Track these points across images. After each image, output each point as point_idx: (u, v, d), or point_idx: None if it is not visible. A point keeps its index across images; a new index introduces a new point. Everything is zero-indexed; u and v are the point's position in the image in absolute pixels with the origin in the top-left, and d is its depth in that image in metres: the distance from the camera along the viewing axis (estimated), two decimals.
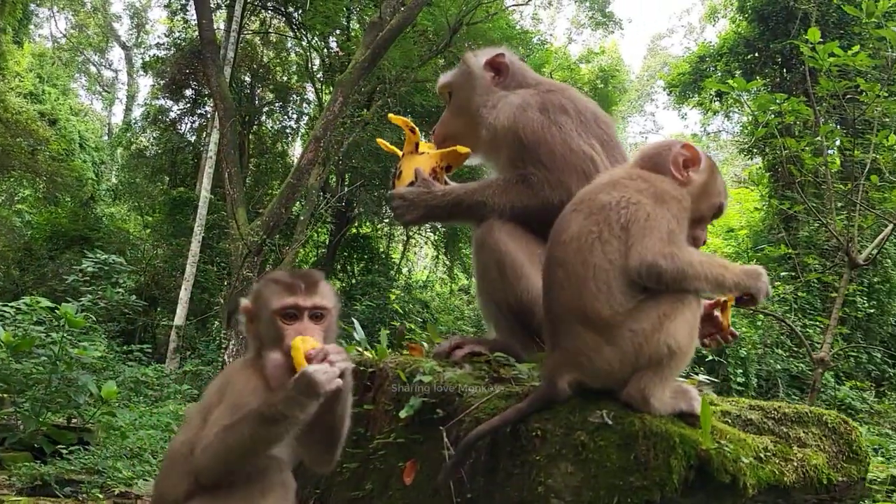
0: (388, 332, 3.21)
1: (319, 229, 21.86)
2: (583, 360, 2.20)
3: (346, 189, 20.58)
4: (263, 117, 24.78)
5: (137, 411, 9.77)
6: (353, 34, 21.45)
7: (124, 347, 13.96)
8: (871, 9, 9.04)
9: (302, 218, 18.45)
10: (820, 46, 8.95)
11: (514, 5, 21.96)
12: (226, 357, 14.64)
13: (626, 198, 2.27)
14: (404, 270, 26.18)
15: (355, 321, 3.43)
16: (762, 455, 2.13)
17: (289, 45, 24.27)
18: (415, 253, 29.23)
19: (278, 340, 2.33)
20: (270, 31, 23.95)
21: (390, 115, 3.48)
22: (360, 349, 3.18)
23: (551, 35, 31.10)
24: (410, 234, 25.12)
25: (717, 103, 21.08)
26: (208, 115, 22.20)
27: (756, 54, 19.42)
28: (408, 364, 2.78)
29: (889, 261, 16.39)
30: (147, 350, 14.58)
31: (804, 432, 2.31)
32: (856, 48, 9.20)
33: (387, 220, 23.90)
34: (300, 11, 21.04)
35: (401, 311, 18.58)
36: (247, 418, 2.15)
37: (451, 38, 18.11)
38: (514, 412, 2.24)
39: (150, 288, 19.48)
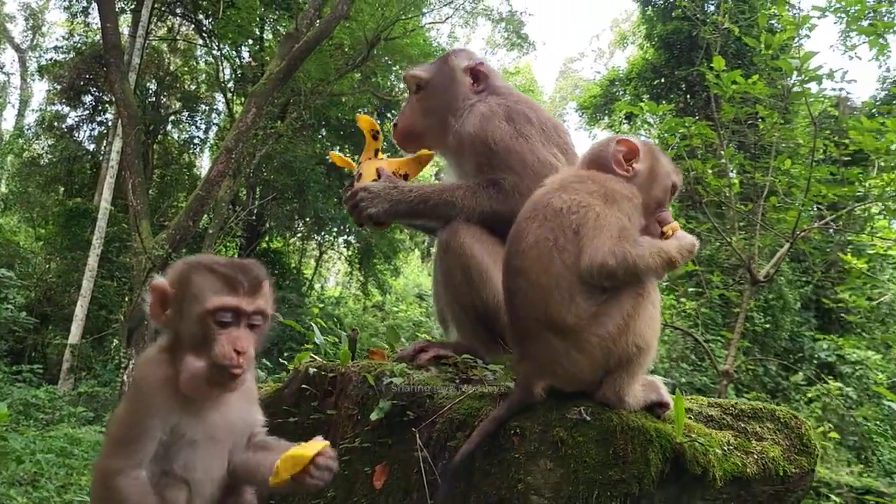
0: (346, 337, 3.15)
1: (228, 243, 21.31)
2: (555, 368, 2.24)
3: (257, 202, 20.15)
4: (169, 126, 24.02)
5: (29, 435, 9.19)
6: (266, 45, 21.11)
7: (13, 367, 13.18)
8: (769, 41, 9.59)
9: (210, 231, 17.96)
10: (724, 74, 9.42)
11: (431, 23, 22.16)
12: (125, 377, 14.01)
13: (577, 201, 2.29)
14: (317, 286, 25.79)
15: (314, 325, 3.35)
16: (726, 448, 2.22)
17: (198, 52, 23.69)
18: (328, 269, 28.87)
19: (204, 346, 1.98)
20: (178, 37, 23.31)
21: (357, 115, 3.35)
22: (314, 355, 3.11)
23: None
24: (323, 249, 24.82)
25: (626, 125, 21.82)
26: (109, 123, 21.33)
27: (662, 80, 20.25)
28: (372, 368, 2.73)
29: (783, 278, 17.26)
30: (38, 370, 13.85)
31: (760, 427, 2.40)
32: (755, 77, 9.72)
33: (299, 235, 23.57)
34: (211, 19, 20.56)
35: (323, 325, 18.22)
36: None
37: (369, 52, 18.09)
38: (493, 423, 2.23)
39: (42, 304, 18.47)
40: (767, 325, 17.01)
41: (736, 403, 2.49)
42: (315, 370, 2.86)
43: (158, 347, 2.11)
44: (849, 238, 15.65)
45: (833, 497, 9.66)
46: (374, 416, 2.48)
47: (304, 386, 2.89)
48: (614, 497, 2.02)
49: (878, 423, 15.42)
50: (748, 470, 2.20)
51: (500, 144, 2.94)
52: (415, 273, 31.10)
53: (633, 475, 2.03)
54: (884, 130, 10.02)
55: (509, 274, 2.36)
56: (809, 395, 16.04)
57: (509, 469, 2.16)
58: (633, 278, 2.20)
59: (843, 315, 16.59)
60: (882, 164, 12.13)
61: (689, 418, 2.36)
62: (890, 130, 10.03)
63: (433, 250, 3.24)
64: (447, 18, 22.89)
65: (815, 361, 17.47)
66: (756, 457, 2.25)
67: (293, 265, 24.62)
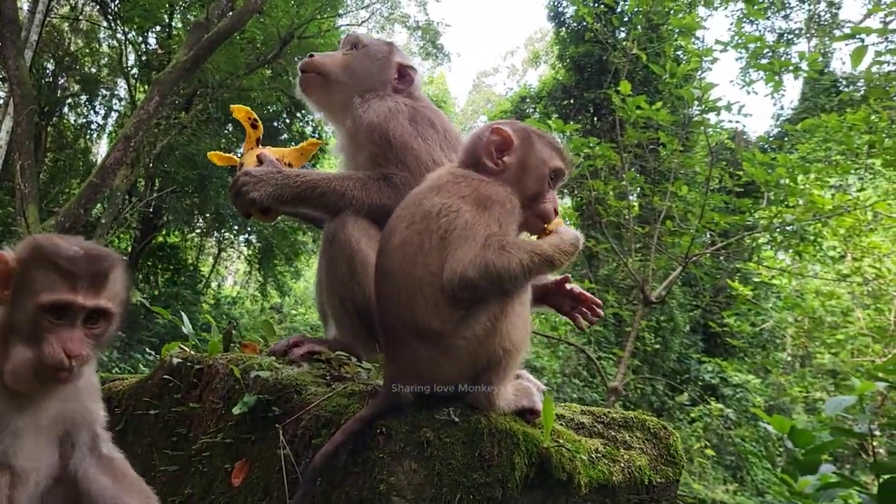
0: (220, 329, 3.01)
1: (122, 235, 20.43)
2: (421, 372, 2.17)
3: (155, 194, 19.42)
4: (66, 109, 22.89)
5: None
6: (175, 32, 20.44)
7: None
8: (674, 70, 9.93)
9: (103, 221, 17.17)
10: (629, 99, 9.70)
11: (347, 25, 21.97)
12: None
13: (447, 205, 2.20)
14: (213, 285, 25.05)
15: (183, 314, 3.18)
16: (593, 456, 2.22)
17: (101, 35, 22.68)
18: (226, 267, 28.10)
19: (33, 340, 1.82)
20: (81, 17, 22.27)
21: (232, 106, 3.23)
22: (183, 346, 2.95)
23: None
24: (223, 246, 24.15)
25: None
26: (0, 101, 20.17)
27: (572, 100, 20.72)
28: (241, 361, 2.61)
29: (674, 301, 17.88)
30: None
31: (629, 436, 2.42)
32: (658, 104, 10.06)
33: (198, 231, 22.84)
34: (117, 1, 19.77)
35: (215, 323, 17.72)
36: None
37: (281, 49, 17.74)
38: (357, 422, 2.15)
39: None
40: (657, 346, 17.57)
41: (609, 412, 2.50)
42: (180, 361, 2.70)
43: None
44: (737, 266, 16.36)
45: None
46: (236, 410, 2.35)
47: (167, 377, 2.73)
48: (477, 500, 1.98)
49: (754, 443, 16.14)
50: (614, 478, 2.20)
51: (397, 139, 2.90)
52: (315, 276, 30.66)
53: (497, 478, 2.00)
54: (775, 165, 10.53)
55: (378, 273, 2.29)
56: (692, 414, 16.65)
57: (373, 469, 2.09)
58: (497, 288, 2.10)
59: (727, 339, 17.32)
60: (772, 196, 12.77)
61: (561, 424, 2.35)
62: (780, 165, 10.56)
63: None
64: (363, 22, 22.81)
65: (700, 383, 18.18)
66: (623, 465, 2.25)
67: (190, 261, 23.85)
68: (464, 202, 2.20)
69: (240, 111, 3.10)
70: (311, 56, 3.24)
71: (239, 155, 3.09)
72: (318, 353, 2.71)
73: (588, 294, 2.65)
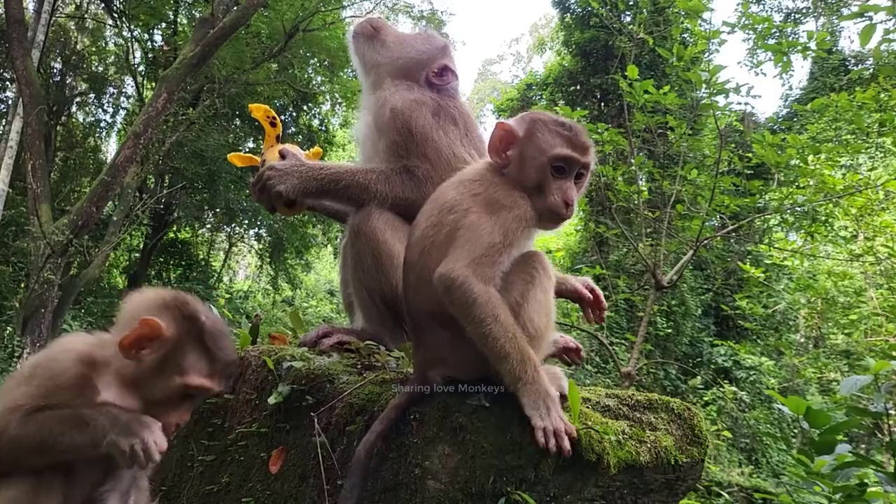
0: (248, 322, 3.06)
1: (134, 232, 20.57)
2: (447, 357, 2.22)
3: (165, 191, 19.51)
4: (74, 108, 23.00)
5: None
6: (180, 29, 20.49)
7: None
8: (681, 53, 9.89)
9: (115, 218, 17.27)
10: (637, 84, 9.67)
11: (352, 17, 21.94)
12: (19, 366, 13.35)
13: (459, 203, 2.22)
14: (225, 279, 25.19)
15: (212, 307, 3.23)
16: (620, 438, 2.25)
17: (107, 33, 22.77)
18: (237, 262, 28.24)
19: (148, 402, 1.88)
20: (87, 16, 22.35)
21: (251, 105, 3.24)
22: None
23: None
24: (233, 241, 24.26)
25: None
26: (10, 102, 20.27)
27: (578, 87, 20.69)
28: (273, 352, 2.67)
29: (685, 285, 17.88)
30: None
31: (654, 417, 2.44)
32: (666, 88, 10.03)
33: (208, 226, 22.96)
34: None
35: (230, 318, 17.85)
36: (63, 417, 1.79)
37: (286, 43, 17.78)
38: (394, 410, 2.19)
39: None
40: (669, 330, 17.59)
41: (633, 395, 2.53)
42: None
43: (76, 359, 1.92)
44: (748, 248, 16.35)
45: (724, 495, 10.04)
46: (272, 400, 2.41)
47: None
48: (510, 482, 2.03)
49: (768, 425, 16.15)
50: (641, 458, 2.23)
51: (419, 130, 2.94)
52: (327, 269, 30.76)
53: (530, 461, 2.04)
54: (785, 146, 10.50)
55: (404, 265, 2.35)
56: (706, 398, 16.66)
57: (407, 454, 2.15)
58: (460, 312, 2.07)
59: (740, 322, 17.31)
60: (782, 178, 12.73)
61: (587, 408, 2.39)
62: (791, 146, 10.52)
63: (343, 238, 3.19)
64: (367, 13, 22.75)
65: (713, 366, 18.20)
66: (649, 446, 2.28)
67: (201, 257, 23.99)
68: (474, 201, 2.21)
69: (258, 110, 3.11)
70: (379, 20, 3.33)
71: (259, 154, 3.12)
72: (347, 343, 2.76)
73: (598, 296, 2.63)
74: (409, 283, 2.28)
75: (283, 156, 2.95)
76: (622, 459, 2.18)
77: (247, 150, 22.72)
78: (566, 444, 1.98)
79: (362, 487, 2.10)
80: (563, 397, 2.22)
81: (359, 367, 2.55)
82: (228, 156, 3.25)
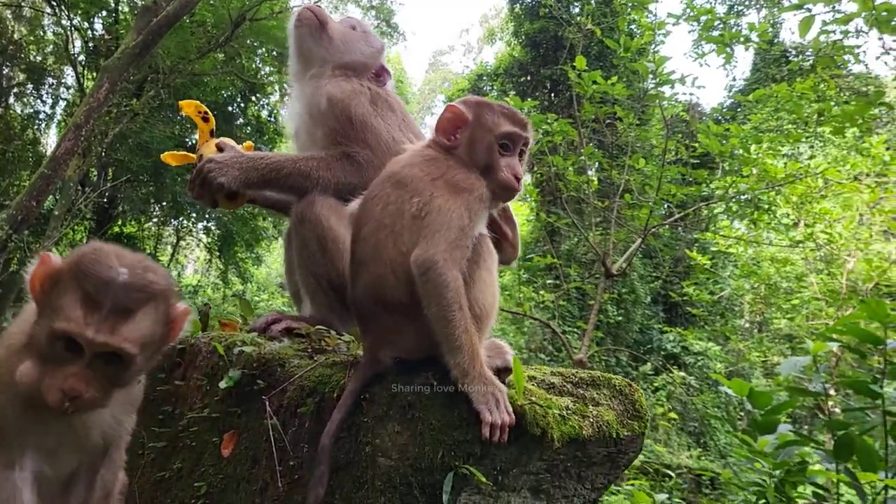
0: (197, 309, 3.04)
1: (77, 227, 20.04)
2: (395, 340, 2.26)
3: (108, 184, 19.07)
4: (12, 100, 22.30)
5: None
6: (122, 17, 19.98)
7: None
8: (628, 44, 10.04)
9: (56, 213, 16.83)
10: (585, 74, 9.79)
11: (299, 6, 21.69)
12: None
13: (420, 188, 2.26)
14: (174, 274, 24.74)
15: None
16: (564, 413, 2.30)
17: (46, 21, 22.09)
18: (185, 256, 27.76)
19: (41, 361, 1.69)
20: (24, 4, 21.66)
21: (180, 102, 3.20)
22: None
23: None
24: (181, 235, 23.85)
25: None
26: None
27: (528, 77, 20.82)
28: (223, 338, 2.66)
29: (635, 273, 18.18)
30: None
31: (597, 393, 2.51)
32: (614, 79, 10.17)
33: (155, 220, 22.51)
34: None
35: None
36: None
37: (233, 32, 17.49)
38: (351, 396, 2.22)
39: None
40: (620, 318, 17.88)
41: (577, 372, 2.60)
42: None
43: (8, 345, 1.82)
44: (695, 236, 16.69)
45: (673, 476, 10.27)
46: (223, 385, 2.41)
47: None
48: (458, 457, 2.08)
49: (715, 409, 16.54)
50: (584, 432, 2.30)
51: (357, 118, 2.98)
52: (277, 262, 30.46)
53: (477, 437, 2.08)
54: (728, 136, 10.73)
55: (352, 259, 2.37)
56: (656, 384, 17.00)
57: (358, 433, 2.18)
58: (430, 294, 2.11)
59: (687, 309, 17.67)
60: (726, 167, 13.00)
61: (533, 385, 2.45)
62: (734, 136, 10.77)
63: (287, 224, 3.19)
64: (316, 2, 22.51)
65: (662, 352, 18.57)
66: (592, 420, 2.35)
67: (148, 251, 23.51)
68: (435, 185, 2.26)
69: (189, 106, 3.08)
70: (319, 6, 3.29)
71: (196, 151, 3.07)
72: (296, 329, 2.76)
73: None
74: (357, 276, 2.31)
75: (220, 148, 2.94)
76: (565, 434, 2.24)
77: (192, 141, 22.40)
78: (506, 437, 2.06)
79: (330, 475, 2.13)
80: (506, 370, 2.27)
81: (309, 350, 2.56)
82: (162, 156, 3.19)
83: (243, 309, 3.22)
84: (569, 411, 2.29)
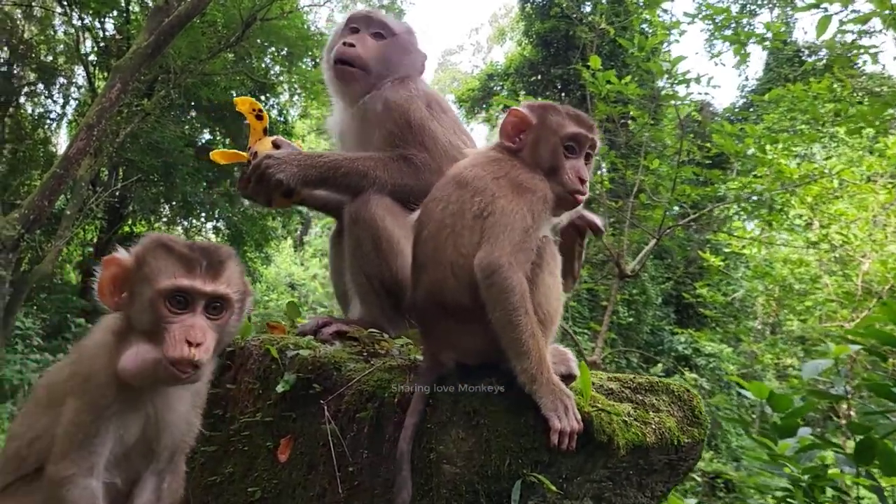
0: None
1: (88, 226, 20.05)
2: (455, 343, 2.23)
3: (119, 183, 19.06)
4: (23, 99, 22.31)
5: None
6: (133, 17, 19.97)
7: None
8: (642, 43, 9.99)
9: (68, 212, 16.83)
10: (599, 74, 9.74)
11: (310, 5, 21.68)
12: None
13: (482, 187, 2.23)
14: None
15: None
16: (626, 419, 2.26)
17: (56, 21, 22.09)
18: None
19: (154, 333, 1.77)
20: (34, 4, 21.66)
21: (236, 98, 3.09)
22: None
23: None
24: (191, 235, 23.82)
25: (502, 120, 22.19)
26: None
27: (539, 77, 20.76)
28: (275, 342, 2.62)
29: (646, 274, 18.10)
30: None
31: (656, 399, 2.46)
32: (628, 78, 10.12)
33: (165, 219, 22.49)
34: None
35: None
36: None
37: (244, 32, 17.46)
38: (421, 400, 2.18)
39: None
40: (631, 319, 17.80)
41: (633, 378, 2.57)
42: None
43: (106, 332, 1.89)
44: (707, 237, 16.62)
45: (696, 478, 10.23)
46: (279, 389, 2.37)
47: None
48: (525, 465, 2.04)
49: (727, 411, 16.46)
50: (647, 439, 2.25)
51: (416, 121, 2.96)
52: (287, 262, 30.44)
53: (544, 443, 2.04)
54: (742, 136, 10.68)
55: (413, 262, 2.35)
56: None
57: (421, 439, 2.14)
58: (496, 298, 2.07)
59: (700, 310, 17.58)
60: (739, 167, 12.93)
61: (592, 391, 2.41)
62: (749, 136, 10.71)
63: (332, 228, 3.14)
64: (326, 2, 22.54)
65: (674, 354, 18.48)
66: (654, 427, 2.31)
67: None
68: (498, 185, 2.22)
69: (244, 103, 3.00)
70: (352, 46, 3.14)
71: (248, 149, 2.99)
72: (348, 332, 2.72)
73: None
74: (419, 280, 2.28)
75: (276, 146, 2.89)
76: (630, 441, 2.20)
77: (202, 141, 22.35)
78: (574, 444, 2.03)
79: (412, 478, 2.10)
80: (570, 377, 2.23)
81: (364, 354, 2.52)
82: (211, 154, 3.09)
83: (290, 312, 3.17)
84: (631, 418, 2.25)
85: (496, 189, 2.20)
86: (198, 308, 1.79)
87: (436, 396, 2.17)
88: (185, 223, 23.62)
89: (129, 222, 21.55)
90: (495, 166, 2.29)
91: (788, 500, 4.22)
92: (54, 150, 22.08)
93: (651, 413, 2.38)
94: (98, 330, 1.97)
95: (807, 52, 20.98)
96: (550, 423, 2.01)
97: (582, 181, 2.31)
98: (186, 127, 20.79)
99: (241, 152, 3.01)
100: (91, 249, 21.47)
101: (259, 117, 2.97)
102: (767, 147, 11.07)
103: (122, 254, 1.88)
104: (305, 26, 21.04)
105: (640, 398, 2.44)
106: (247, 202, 22.88)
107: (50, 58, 22.47)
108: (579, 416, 2.04)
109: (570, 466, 2.12)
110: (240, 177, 2.87)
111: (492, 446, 2.06)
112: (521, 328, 2.04)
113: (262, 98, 22.15)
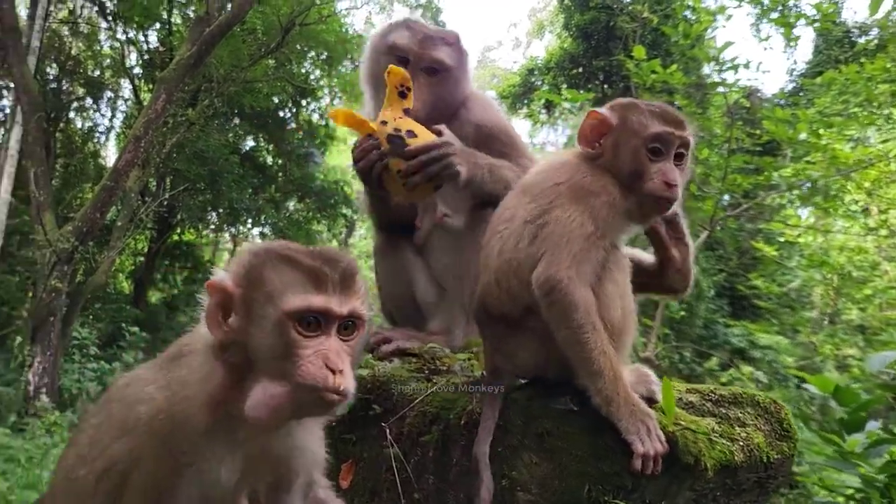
0: None
1: (138, 236, 20.42)
2: (508, 354, 2.12)
3: (167, 193, 19.36)
4: (72, 114, 22.80)
5: None
6: (175, 29, 20.28)
7: None
8: (687, 31, 9.75)
9: (119, 223, 17.13)
10: (643, 64, 9.54)
11: (347, 8, 21.75)
12: (30, 376, 13.25)
13: (539, 192, 2.10)
14: None
15: None
16: (712, 437, 2.12)
17: (102, 37, 22.53)
18: None
19: (285, 362, 1.49)
20: (80, 20, 22.12)
21: (391, 67, 2.67)
22: None
23: None
24: (238, 241, 24.13)
25: (543, 115, 21.99)
26: (8, 110, 20.12)
27: (580, 69, 20.48)
28: None
29: (698, 266, 17.72)
30: None
31: (741, 413, 2.30)
32: (673, 67, 9.89)
33: (212, 227, 22.80)
34: (115, 1, 19.63)
35: None
36: None
37: (283, 38, 17.57)
38: (491, 411, 2.04)
39: None
40: (683, 313, 17.44)
41: (715, 389, 2.42)
42: None
43: (204, 367, 1.57)
44: (759, 226, 16.23)
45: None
46: (338, 410, 2.27)
47: None
48: (607, 491, 1.91)
49: (786, 404, 16.04)
50: (735, 457, 2.11)
51: (510, 132, 2.95)
52: None
53: (626, 467, 1.91)
54: (794, 121, 10.38)
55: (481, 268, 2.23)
56: (722, 380, 16.54)
57: (490, 465, 2.01)
58: (559, 317, 1.94)
59: (754, 301, 17.15)
60: (791, 153, 12.56)
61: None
62: (801, 121, 10.40)
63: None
64: (363, 4, 22.59)
65: (728, 347, 18.05)
66: (742, 444, 2.16)
67: (207, 258, 23.87)
68: (556, 192, 2.08)
69: (397, 75, 2.63)
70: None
71: (379, 120, 2.62)
72: (407, 350, 2.62)
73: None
74: (481, 281, 2.19)
75: (439, 133, 2.62)
76: (717, 460, 2.05)
77: (246, 148, 22.53)
78: (659, 468, 1.89)
79: (494, 481, 1.96)
80: (651, 401, 2.10)
81: (425, 371, 2.42)
82: (332, 111, 2.75)
83: None
84: (716, 434, 2.10)
85: (553, 196, 2.06)
86: (332, 329, 1.54)
87: (504, 418, 2.06)
88: (232, 229, 23.92)
89: (178, 231, 21.89)
90: (559, 172, 2.15)
91: (860, 499, 4.05)
92: (104, 162, 22.56)
93: (737, 428, 2.22)
94: (189, 360, 1.62)
95: (857, 32, 20.32)
96: (633, 447, 1.87)
97: (670, 185, 2.10)
98: (230, 135, 21.04)
99: (366, 119, 2.66)
100: (142, 259, 21.88)
101: (403, 95, 2.62)
102: (821, 131, 10.74)
103: (224, 276, 1.58)
104: (344, 29, 21.11)
105: (724, 411, 2.28)
106: (292, 206, 23.09)
107: (97, 72, 22.93)
108: (663, 437, 1.89)
109: (654, 491, 1.99)
110: (360, 145, 2.58)
111: (568, 471, 1.94)
112: (588, 346, 1.90)
113: (304, 103, 22.31)
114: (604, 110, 2.21)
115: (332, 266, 1.56)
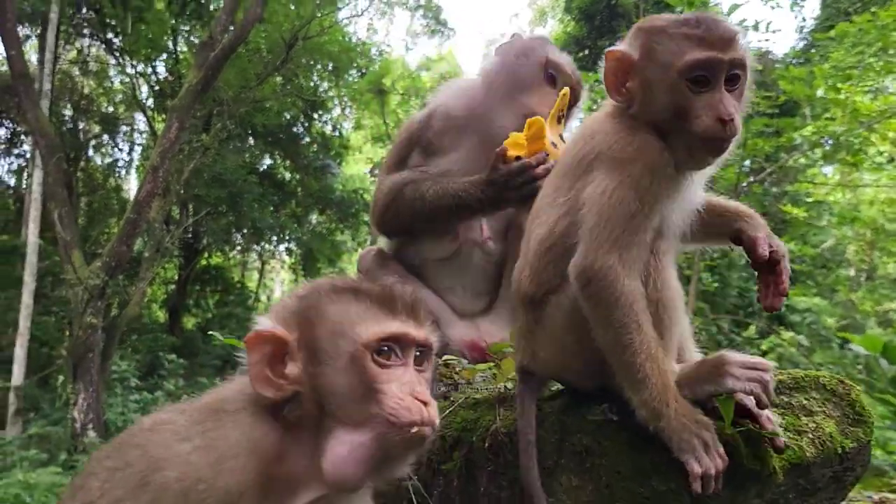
0: None
1: (167, 265, 20.63)
2: (534, 351, 1.92)
3: (191, 219, 19.53)
4: (91, 152, 23.10)
5: None
6: (181, 57, 20.43)
7: None
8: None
9: (147, 254, 17.32)
10: None
11: (348, 17, 21.76)
12: (75, 413, 13.43)
13: (570, 166, 1.86)
14: (263, 298, 25.21)
15: None
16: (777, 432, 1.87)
17: (111, 73, 22.80)
18: (272, 279, 28.27)
19: (366, 403, 1.34)
20: (89, 59, 22.39)
21: (563, 90, 2.73)
22: None
23: (388, 45, 30.85)
24: (265, 259, 24.28)
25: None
26: (28, 155, 20.43)
27: (586, 51, 20.26)
28: None
29: None
30: None
31: (806, 399, 2.03)
32: None
33: (238, 248, 22.97)
34: (120, 37, 19.81)
35: None
36: None
37: (288, 54, 17.62)
38: (528, 427, 1.82)
39: None
40: (716, 284, 17.20)
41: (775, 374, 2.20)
42: None
43: (252, 427, 1.35)
44: (785, 189, 15.94)
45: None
46: None
47: None
48: None
49: (831, 366, 15.76)
50: (806, 453, 1.83)
51: None
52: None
53: (682, 484, 1.67)
54: (810, 79, 10.16)
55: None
56: (763, 347, 16.29)
57: (523, 490, 1.80)
58: (598, 314, 1.70)
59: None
60: (809, 112, 12.31)
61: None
62: (818, 77, 10.18)
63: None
64: (363, 11, 22.57)
65: (766, 315, 17.78)
66: (811, 436, 1.88)
67: (236, 279, 24.04)
68: (586, 166, 1.81)
69: (566, 99, 2.69)
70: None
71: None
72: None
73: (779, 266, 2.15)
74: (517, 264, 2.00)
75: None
76: (786, 460, 1.81)
77: (264, 166, 22.62)
78: (720, 485, 1.63)
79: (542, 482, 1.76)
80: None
81: (443, 388, 2.32)
82: (509, 149, 2.67)
83: None
84: (781, 428, 1.84)
85: (584, 171, 1.79)
86: (410, 358, 1.41)
87: (537, 436, 1.85)
88: (258, 248, 24.06)
89: (206, 255, 22.08)
90: (588, 139, 1.85)
91: None
92: (127, 196, 22.80)
93: (803, 418, 1.95)
94: (235, 420, 1.38)
95: None
96: (688, 468, 1.61)
97: (724, 120, 1.70)
98: (247, 155, 21.17)
99: (546, 138, 2.66)
100: (173, 287, 22.11)
101: (559, 120, 2.70)
102: (839, 86, 10.51)
103: (269, 324, 1.40)
104: (346, 38, 21.12)
105: (786, 399, 2.01)
106: (314, 219, 23.11)
107: (110, 108, 23.23)
108: (722, 449, 1.64)
109: None
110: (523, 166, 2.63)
111: (615, 492, 1.72)
112: (631, 350, 1.65)
113: (315, 115, 22.34)
114: (622, 45, 1.85)
115: (398, 291, 1.45)
